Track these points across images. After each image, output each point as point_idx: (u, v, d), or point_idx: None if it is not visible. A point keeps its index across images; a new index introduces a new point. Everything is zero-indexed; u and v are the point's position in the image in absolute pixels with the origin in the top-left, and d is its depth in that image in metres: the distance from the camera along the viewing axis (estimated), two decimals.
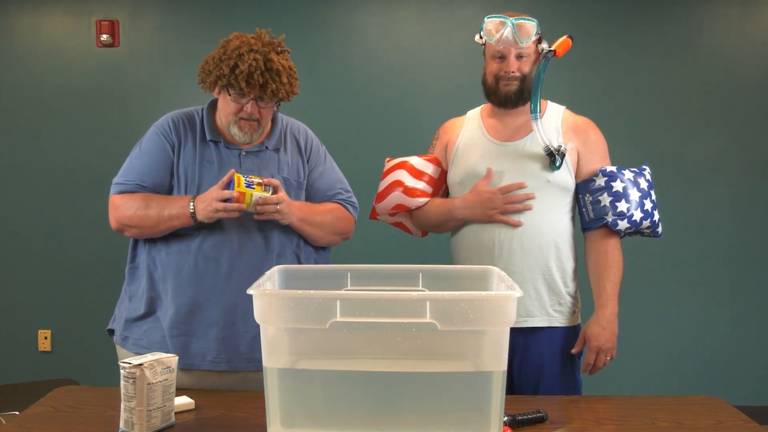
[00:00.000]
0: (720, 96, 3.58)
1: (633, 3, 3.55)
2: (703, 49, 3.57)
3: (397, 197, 1.92)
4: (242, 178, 1.59)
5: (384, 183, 1.95)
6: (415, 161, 1.93)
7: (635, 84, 3.58)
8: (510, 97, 1.82)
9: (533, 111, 1.79)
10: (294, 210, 1.69)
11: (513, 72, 1.79)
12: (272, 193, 1.63)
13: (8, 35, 3.62)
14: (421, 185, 1.91)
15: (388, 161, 1.99)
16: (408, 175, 1.91)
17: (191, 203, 1.63)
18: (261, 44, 1.65)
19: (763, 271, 3.60)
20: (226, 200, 1.58)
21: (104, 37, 3.59)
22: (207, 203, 1.60)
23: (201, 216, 1.61)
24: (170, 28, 3.62)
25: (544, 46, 1.82)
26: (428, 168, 1.93)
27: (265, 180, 1.64)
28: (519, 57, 1.80)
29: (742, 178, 3.59)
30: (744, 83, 3.58)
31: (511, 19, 1.76)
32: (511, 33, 1.75)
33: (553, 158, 1.77)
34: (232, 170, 1.60)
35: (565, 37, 1.82)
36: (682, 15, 3.56)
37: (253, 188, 1.60)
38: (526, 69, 1.81)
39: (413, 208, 1.94)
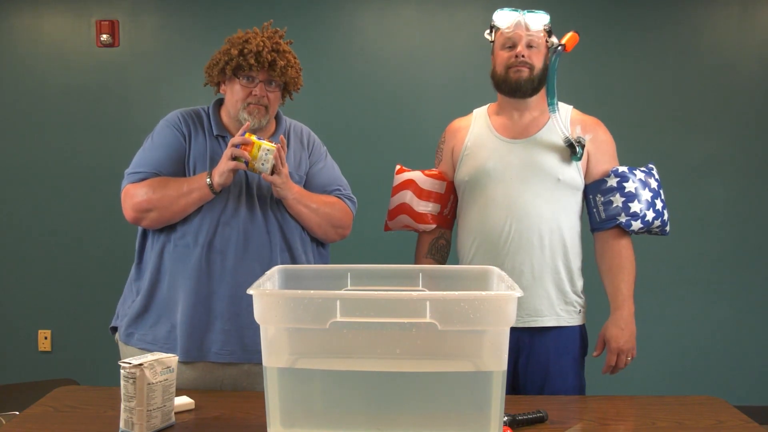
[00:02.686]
0: (719, 96, 3.58)
1: (632, 3, 3.55)
2: (703, 49, 3.57)
3: (405, 220, 1.95)
4: (252, 135, 1.65)
5: (393, 202, 1.97)
6: (421, 181, 1.93)
7: (634, 84, 3.58)
8: (521, 83, 1.79)
9: (550, 104, 1.78)
10: (292, 186, 1.71)
11: (522, 56, 1.78)
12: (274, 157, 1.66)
13: (8, 35, 3.62)
14: (429, 207, 1.92)
15: (398, 173, 1.98)
16: (415, 198, 1.92)
17: (207, 177, 1.66)
18: (267, 34, 1.74)
19: (762, 270, 3.60)
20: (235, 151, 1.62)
21: (104, 37, 3.59)
22: (222, 162, 1.64)
23: (217, 179, 1.64)
24: (170, 28, 3.62)
25: (554, 40, 1.82)
26: (434, 185, 1.93)
27: (269, 140, 1.68)
28: (529, 47, 1.79)
29: (742, 177, 3.59)
30: (743, 83, 3.58)
31: (522, 11, 1.80)
32: (521, 21, 1.78)
33: (573, 149, 1.76)
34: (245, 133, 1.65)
35: (571, 32, 1.82)
36: (682, 15, 3.56)
37: (263, 139, 1.64)
38: (536, 61, 1.80)
39: (421, 231, 1.97)
